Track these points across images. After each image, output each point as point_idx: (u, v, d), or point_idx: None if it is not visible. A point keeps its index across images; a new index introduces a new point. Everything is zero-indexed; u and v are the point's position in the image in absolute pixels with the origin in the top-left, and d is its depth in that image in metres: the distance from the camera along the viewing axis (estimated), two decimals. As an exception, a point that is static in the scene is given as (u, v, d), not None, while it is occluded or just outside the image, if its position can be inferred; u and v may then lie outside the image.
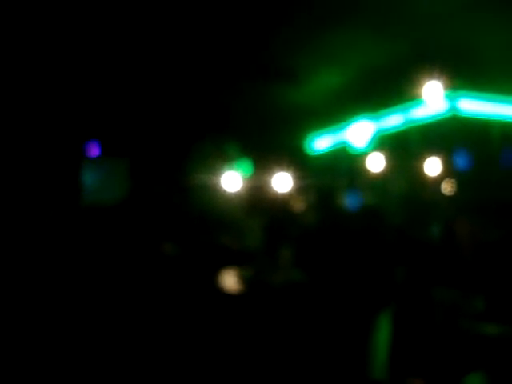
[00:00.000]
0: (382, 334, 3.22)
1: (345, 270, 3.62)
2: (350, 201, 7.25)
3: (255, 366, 3.77)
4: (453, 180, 7.10)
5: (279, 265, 4.91)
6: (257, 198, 7.93)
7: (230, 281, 5.08)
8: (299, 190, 7.26)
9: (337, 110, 8.53)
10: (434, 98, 6.13)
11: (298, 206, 6.19)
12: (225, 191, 8.01)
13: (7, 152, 5.56)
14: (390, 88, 7.14)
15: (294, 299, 4.08)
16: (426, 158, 7.02)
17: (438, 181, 7.07)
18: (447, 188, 7.04)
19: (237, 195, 8.22)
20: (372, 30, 6.36)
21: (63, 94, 7.24)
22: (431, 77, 6.12)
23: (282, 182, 7.58)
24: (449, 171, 7.10)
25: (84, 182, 8.53)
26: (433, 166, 6.96)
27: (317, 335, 3.41)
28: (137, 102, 8.36)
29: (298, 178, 7.49)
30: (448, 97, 6.86)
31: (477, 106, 7.23)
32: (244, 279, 4.99)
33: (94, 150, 8.92)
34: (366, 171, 7.60)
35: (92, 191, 8.48)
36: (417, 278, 3.57)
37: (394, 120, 7.93)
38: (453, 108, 7.01)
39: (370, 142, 7.69)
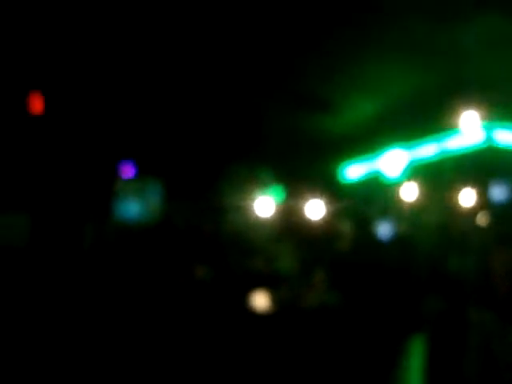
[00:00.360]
0: (415, 360, 3.22)
1: (377, 296, 3.63)
2: (382, 230, 7.24)
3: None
4: (488, 212, 7.03)
5: (313, 288, 4.93)
6: (289, 223, 7.97)
7: (261, 303, 5.10)
8: (332, 217, 7.28)
9: (371, 139, 8.55)
10: (470, 129, 6.13)
11: (331, 232, 6.21)
12: (258, 216, 8.08)
13: (43, 172, 5.70)
14: (424, 117, 7.15)
15: (327, 322, 4.09)
16: (460, 189, 6.98)
17: (472, 212, 7.00)
18: (482, 220, 6.96)
19: (269, 220, 8.27)
20: (408, 60, 6.41)
21: (98, 113, 7.45)
22: (467, 107, 6.13)
23: (315, 208, 7.62)
24: (484, 203, 7.03)
25: (119, 203, 8.70)
26: (468, 197, 6.91)
27: (348, 359, 3.41)
28: (173, 124, 8.53)
29: (331, 205, 7.52)
30: (484, 127, 6.84)
31: (513, 138, 7.18)
32: (277, 301, 5.01)
33: (129, 171, 9.11)
34: (400, 201, 7.58)
35: (127, 212, 8.63)
36: (451, 306, 3.55)
37: (428, 150, 7.91)
38: (489, 139, 6.97)
39: (404, 172, 7.69)
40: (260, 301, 5.20)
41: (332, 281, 4.71)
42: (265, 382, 3.96)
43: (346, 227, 6.14)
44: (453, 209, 7.09)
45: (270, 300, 5.16)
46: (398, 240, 5.77)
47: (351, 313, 3.78)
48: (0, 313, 3.85)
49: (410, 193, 7.43)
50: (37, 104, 4.25)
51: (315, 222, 7.23)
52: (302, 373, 3.71)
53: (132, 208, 9.06)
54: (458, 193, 7.00)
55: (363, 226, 4.75)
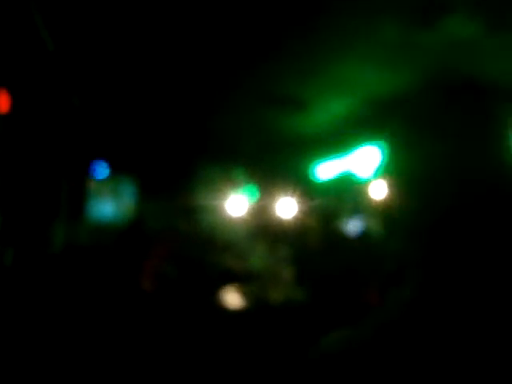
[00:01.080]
0: None
1: (343, 290, 3.71)
2: (352, 226, 7.34)
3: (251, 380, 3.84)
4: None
5: (280, 283, 5.00)
6: (262, 222, 8.03)
7: (231, 298, 5.17)
8: (303, 215, 7.37)
9: (342, 138, 8.65)
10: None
11: (301, 230, 6.30)
12: (230, 215, 8.14)
13: (12, 172, 5.65)
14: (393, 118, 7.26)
15: (293, 317, 4.16)
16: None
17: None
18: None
19: (242, 219, 8.33)
20: (377, 60, 6.50)
21: (69, 113, 7.43)
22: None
23: (287, 207, 7.71)
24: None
25: (92, 203, 8.68)
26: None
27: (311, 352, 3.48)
28: (144, 123, 8.53)
29: (303, 203, 7.61)
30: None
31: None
32: (245, 296, 5.07)
33: (102, 171, 9.09)
34: (370, 199, 7.69)
35: (100, 212, 8.61)
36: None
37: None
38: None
39: (376, 171, 7.79)
40: (229, 295, 5.27)
41: (300, 278, 4.79)
42: (234, 376, 4.02)
43: (315, 225, 6.22)
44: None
45: (239, 296, 5.22)
46: (366, 237, 5.87)
47: (316, 309, 3.86)
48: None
49: (380, 191, 7.55)
50: (3, 102, 4.24)
51: (287, 220, 7.32)
52: (266, 367, 3.78)
53: (106, 208, 9.04)
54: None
55: (332, 223, 4.83)
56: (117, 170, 9.43)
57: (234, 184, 9.17)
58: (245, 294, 5.17)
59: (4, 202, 4.92)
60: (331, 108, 8.01)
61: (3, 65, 4.34)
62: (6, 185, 4.92)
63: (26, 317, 4.16)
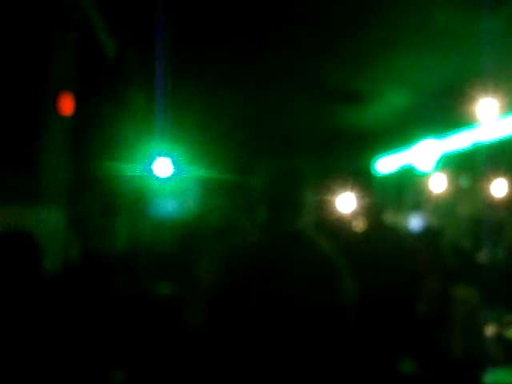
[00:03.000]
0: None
1: (400, 286, 3.69)
2: (413, 221, 7.23)
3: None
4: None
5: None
6: (322, 217, 8.02)
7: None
8: (363, 209, 7.30)
9: (401, 131, 8.53)
10: (497, 118, 6.08)
11: (358, 225, 6.25)
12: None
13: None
14: (455, 109, 7.10)
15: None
16: (493, 180, 6.91)
17: (505, 202, 6.92)
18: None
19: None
20: (437, 51, 6.38)
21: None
22: (495, 97, 6.07)
23: (347, 202, 7.66)
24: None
25: (155, 201, 8.92)
26: (500, 188, 6.84)
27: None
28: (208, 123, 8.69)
29: (363, 198, 7.54)
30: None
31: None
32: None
33: (165, 169, 9.35)
34: (431, 192, 7.56)
35: (163, 209, 8.84)
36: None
37: (460, 141, 7.84)
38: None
39: (436, 164, 7.65)
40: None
41: (357, 273, 4.76)
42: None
43: (374, 219, 6.16)
44: (485, 199, 7.01)
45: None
46: (426, 230, 5.76)
47: (371, 305, 3.84)
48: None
49: (440, 184, 7.41)
50: (68, 105, 4.49)
51: (347, 215, 7.27)
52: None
53: (168, 206, 9.28)
54: (491, 183, 6.92)
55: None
56: (180, 168, 9.66)
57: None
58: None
59: (73, 198, 5.15)
60: (390, 100, 7.92)
61: (69, 72, 4.58)
62: (74, 182, 5.16)
63: (91, 311, 4.25)
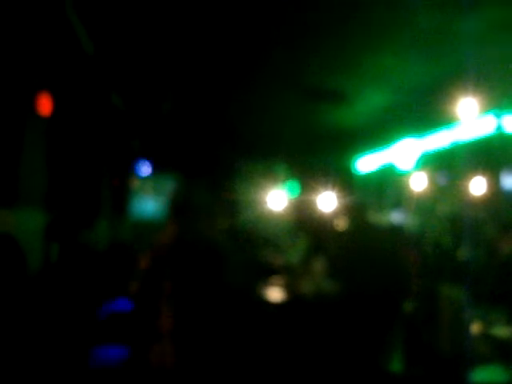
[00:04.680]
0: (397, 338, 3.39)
1: (383, 285, 3.71)
2: (393, 219, 7.27)
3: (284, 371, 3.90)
4: (499, 199, 7.00)
5: (311, 276, 5.03)
6: (302, 216, 8.04)
7: (270, 291, 5.22)
8: (344, 208, 7.33)
9: (382, 131, 8.56)
10: (477, 117, 6.13)
11: (338, 223, 6.26)
12: (271, 210, 8.19)
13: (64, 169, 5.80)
14: (435, 108, 7.14)
15: (322, 308, 4.18)
16: (471, 178, 6.96)
17: (484, 201, 6.98)
18: (492, 207, 6.95)
19: (283, 214, 8.37)
20: (417, 51, 6.40)
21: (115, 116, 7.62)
22: (475, 96, 6.12)
23: (328, 201, 7.68)
24: (494, 190, 7.00)
25: (134, 200, 8.89)
26: (478, 186, 6.90)
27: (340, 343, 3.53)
28: (186, 121, 8.67)
29: (344, 197, 7.57)
30: (494, 115, 6.81)
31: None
32: (284, 290, 5.12)
33: (144, 169, 9.30)
34: (411, 191, 7.60)
35: (142, 208, 8.81)
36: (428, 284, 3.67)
37: (439, 140, 7.90)
38: (498, 126, 6.93)
39: (416, 162, 7.70)
40: (269, 291, 5.33)
41: (332, 270, 4.80)
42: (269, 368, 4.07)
43: (356, 218, 6.18)
44: (464, 197, 7.07)
45: (278, 290, 5.27)
46: (407, 230, 5.80)
47: (347, 300, 3.88)
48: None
49: (421, 183, 7.45)
50: (46, 105, 4.40)
51: (328, 215, 7.29)
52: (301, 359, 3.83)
53: (148, 205, 9.24)
54: (469, 181, 6.97)
55: (374, 216, 4.80)
56: (159, 167, 9.63)
57: (275, 179, 9.21)
58: (280, 287, 5.22)
59: (50, 199, 5.09)
60: (370, 100, 7.93)
61: (44, 68, 4.51)
62: (51, 183, 5.10)
63: (69, 313, 4.27)
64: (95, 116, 6.40)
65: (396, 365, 3.26)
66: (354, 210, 4.24)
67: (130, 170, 8.92)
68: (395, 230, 5.01)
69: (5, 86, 4.14)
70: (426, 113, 7.48)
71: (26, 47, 4.35)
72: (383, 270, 3.56)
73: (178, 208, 3.08)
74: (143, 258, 3.42)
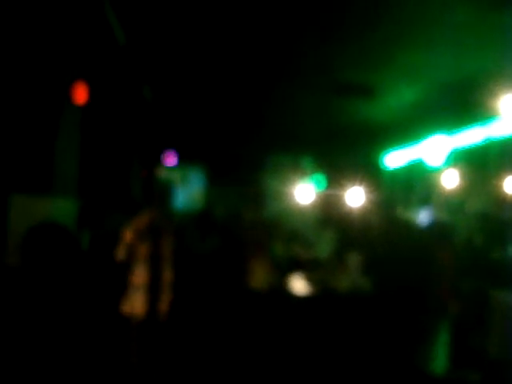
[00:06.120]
0: (443, 336, 3.32)
1: (406, 279, 3.67)
2: (423, 216, 7.19)
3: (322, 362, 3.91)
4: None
5: (347, 271, 5.00)
6: (330, 211, 8.01)
7: (299, 285, 5.21)
8: (372, 204, 7.28)
9: (412, 126, 8.46)
10: (510, 114, 6.01)
11: (371, 219, 6.22)
12: (298, 203, 8.16)
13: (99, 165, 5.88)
14: (467, 104, 7.03)
15: (357, 304, 4.16)
16: (504, 176, 6.83)
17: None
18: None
19: (310, 207, 8.34)
20: (449, 46, 6.31)
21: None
22: (508, 92, 6.00)
23: (356, 196, 7.63)
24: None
25: (162, 189, 8.93)
26: (511, 184, 6.77)
27: (377, 338, 3.50)
28: (214, 114, 8.67)
29: (372, 192, 7.51)
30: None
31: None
32: (312, 284, 5.11)
33: (171, 159, 9.33)
34: (441, 187, 7.50)
35: (171, 197, 8.85)
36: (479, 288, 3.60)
37: (470, 136, 7.78)
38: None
39: (446, 159, 7.59)
40: (297, 282, 5.32)
41: (366, 266, 4.77)
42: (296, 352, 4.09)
43: (384, 214, 6.14)
44: (497, 195, 6.95)
45: (305, 283, 5.25)
46: (436, 226, 5.72)
47: (383, 296, 3.84)
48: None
49: (451, 179, 7.34)
50: (82, 94, 4.44)
51: (355, 209, 7.25)
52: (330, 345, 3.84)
53: (175, 194, 9.29)
54: (503, 179, 6.85)
55: (402, 212, 4.76)
56: (186, 158, 9.67)
57: (302, 172, 9.19)
58: (310, 281, 5.20)
59: (82, 187, 5.16)
60: (401, 95, 7.85)
61: (81, 59, 4.55)
62: (83, 171, 5.16)
63: (96, 298, 4.34)
64: (127, 107, 6.44)
65: (439, 367, 3.21)
66: (390, 207, 4.20)
67: (158, 161, 8.97)
68: (433, 228, 4.94)
69: (42, 75, 4.19)
70: (456, 109, 7.37)
71: (62, 38, 4.40)
72: (422, 268, 3.52)
73: (157, 195, 4.28)
74: (126, 232, 4.21)
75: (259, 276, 5.07)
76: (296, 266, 5.84)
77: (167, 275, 4.24)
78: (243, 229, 6.05)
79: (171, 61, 6.69)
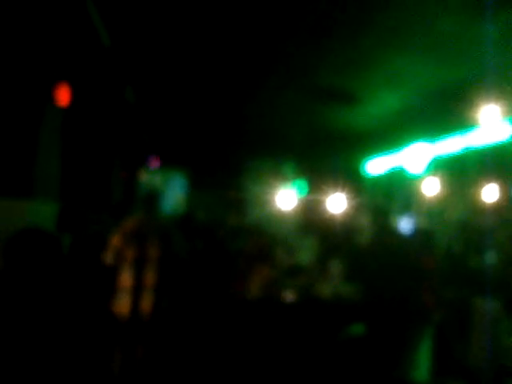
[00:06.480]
0: (425, 345, 3.34)
1: (390, 286, 3.68)
2: (403, 223, 7.24)
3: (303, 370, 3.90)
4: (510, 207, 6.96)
5: (329, 278, 5.01)
6: (312, 216, 8.02)
7: (282, 292, 5.21)
8: (353, 210, 7.31)
9: (393, 133, 8.53)
10: (491, 124, 6.09)
11: (352, 225, 6.24)
12: (280, 209, 8.16)
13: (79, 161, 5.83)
14: (448, 113, 7.11)
15: (340, 311, 4.16)
16: (483, 184, 6.92)
17: (495, 207, 6.94)
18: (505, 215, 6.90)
19: (292, 213, 8.34)
20: (432, 55, 6.37)
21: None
22: (490, 102, 6.08)
23: (337, 202, 7.66)
24: (507, 198, 6.96)
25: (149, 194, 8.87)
26: (490, 193, 6.86)
27: (360, 345, 3.50)
28: (196, 118, 8.64)
29: (353, 199, 7.54)
30: (508, 122, 6.77)
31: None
32: (295, 291, 5.10)
33: (153, 162, 9.29)
34: (421, 195, 7.56)
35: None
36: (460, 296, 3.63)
37: (451, 145, 7.87)
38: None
39: (427, 167, 7.66)
40: (278, 290, 5.32)
41: (349, 273, 4.78)
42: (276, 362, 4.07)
43: (365, 221, 6.15)
44: (476, 204, 7.04)
45: (288, 289, 5.25)
46: (418, 234, 5.76)
47: (365, 304, 3.85)
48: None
49: (432, 187, 7.41)
50: (64, 96, 4.38)
51: (336, 216, 7.27)
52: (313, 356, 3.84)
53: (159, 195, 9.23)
54: (481, 188, 6.93)
55: (382, 219, 4.78)
56: (168, 161, 9.62)
57: (284, 178, 9.19)
58: (293, 288, 5.20)
59: (63, 190, 5.11)
60: (383, 102, 7.90)
61: (63, 60, 4.50)
62: (64, 173, 5.11)
63: (81, 302, 4.31)
64: (109, 109, 6.38)
65: (421, 375, 3.22)
66: (373, 213, 4.21)
67: (139, 164, 8.91)
68: (415, 235, 4.98)
69: (23, 76, 4.13)
70: (437, 117, 7.44)
71: (45, 38, 4.34)
72: (405, 276, 3.53)
73: (144, 200, 4.55)
74: (114, 236, 4.38)
75: (255, 284, 5.11)
76: (279, 272, 5.83)
77: (151, 277, 4.39)
78: (226, 234, 6.04)
79: (154, 63, 6.65)
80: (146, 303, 4.35)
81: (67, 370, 3.90)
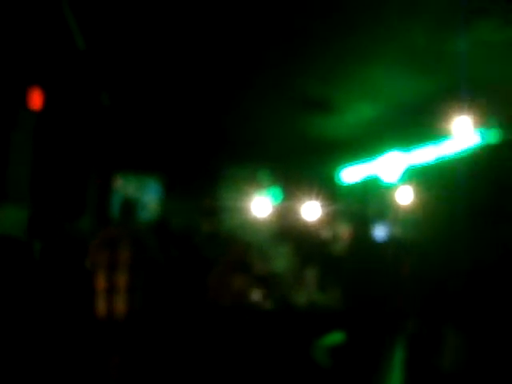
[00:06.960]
0: (397, 358, 3.36)
1: (365, 295, 3.70)
2: (377, 230, 7.29)
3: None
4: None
5: (304, 286, 5.02)
6: (286, 224, 8.03)
7: (255, 300, 5.20)
8: (328, 218, 7.35)
9: (368, 142, 8.60)
10: (463, 134, 6.20)
11: (326, 234, 6.26)
12: (255, 216, 8.16)
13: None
14: (422, 123, 7.21)
15: (314, 319, 4.17)
16: (455, 193, 7.01)
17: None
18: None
19: (266, 221, 8.34)
20: (407, 67, 6.46)
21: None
22: (462, 112, 6.18)
23: (312, 210, 7.69)
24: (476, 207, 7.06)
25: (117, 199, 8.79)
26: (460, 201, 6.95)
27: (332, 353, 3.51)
28: (171, 123, 8.61)
29: (327, 206, 7.59)
30: (480, 132, 6.90)
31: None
32: (270, 298, 5.10)
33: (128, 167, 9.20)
34: (395, 204, 7.64)
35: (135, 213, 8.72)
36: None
37: (425, 154, 7.97)
38: (483, 143, 7.01)
39: (401, 176, 7.75)
40: (254, 297, 5.30)
41: (323, 281, 4.80)
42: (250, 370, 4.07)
43: (340, 229, 6.19)
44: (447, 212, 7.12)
45: (263, 297, 5.24)
46: (394, 242, 5.82)
47: (341, 312, 3.86)
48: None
49: (405, 196, 7.50)
50: (37, 100, 4.33)
51: (311, 223, 7.30)
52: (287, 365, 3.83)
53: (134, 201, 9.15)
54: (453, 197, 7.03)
55: (358, 227, 4.81)
56: (143, 167, 9.55)
57: (258, 185, 9.20)
58: (268, 296, 5.19)
59: (34, 195, 5.03)
60: (358, 111, 7.97)
61: (37, 63, 4.45)
62: (36, 178, 5.04)
63: (53, 308, 4.29)
64: (84, 113, 6.31)
65: (395, 382, 3.24)
66: (348, 221, 4.23)
67: (114, 169, 8.82)
68: (390, 243, 5.02)
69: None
70: (412, 127, 7.54)
71: (18, 41, 4.28)
72: (380, 284, 3.55)
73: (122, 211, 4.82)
74: (95, 243, 4.71)
75: (230, 291, 5.14)
76: (254, 280, 5.82)
77: (123, 280, 4.67)
78: (201, 241, 6.02)
79: (130, 68, 6.61)
80: (120, 305, 4.62)
81: (38, 373, 3.88)
